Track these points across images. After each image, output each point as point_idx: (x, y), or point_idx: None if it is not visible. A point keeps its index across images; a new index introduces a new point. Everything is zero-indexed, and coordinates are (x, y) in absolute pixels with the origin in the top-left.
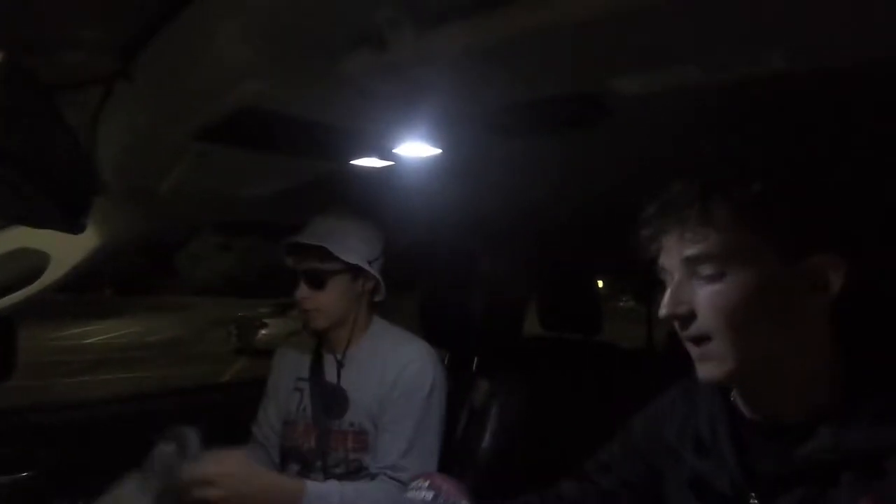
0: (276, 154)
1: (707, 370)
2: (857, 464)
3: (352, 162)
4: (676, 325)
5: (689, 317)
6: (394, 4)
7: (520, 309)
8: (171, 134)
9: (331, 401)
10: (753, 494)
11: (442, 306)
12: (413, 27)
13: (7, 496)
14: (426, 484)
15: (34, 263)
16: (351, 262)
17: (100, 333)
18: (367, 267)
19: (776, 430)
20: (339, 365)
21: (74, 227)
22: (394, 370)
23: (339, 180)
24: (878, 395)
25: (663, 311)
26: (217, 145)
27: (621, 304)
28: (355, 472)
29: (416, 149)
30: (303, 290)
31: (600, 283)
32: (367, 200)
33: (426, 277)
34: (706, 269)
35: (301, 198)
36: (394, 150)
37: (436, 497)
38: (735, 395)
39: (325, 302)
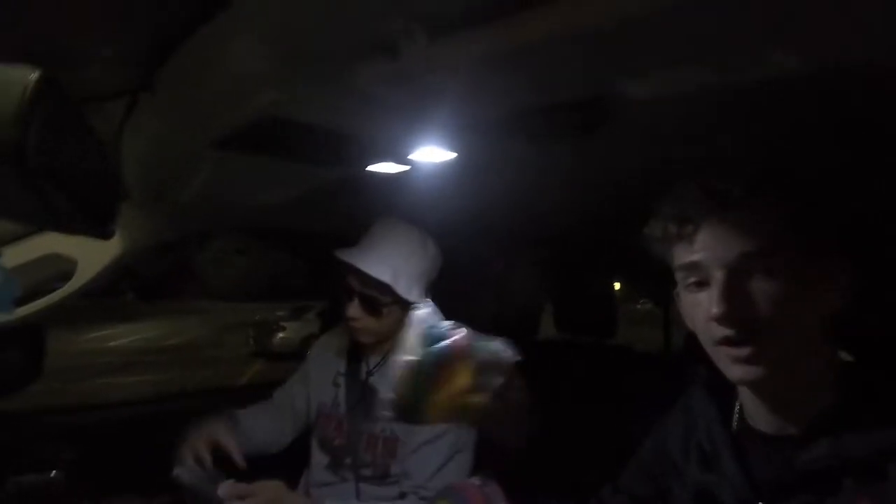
0: (294, 161)
1: (744, 371)
2: (858, 469)
3: (367, 168)
4: (726, 326)
5: (745, 316)
6: (406, 14)
7: (535, 311)
8: (192, 143)
9: (367, 404)
10: (760, 503)
11: (456, 309)
12: (425, 36)
13: (34, 494)
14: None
15: (62, 268)
16: (412, 299)
17: (121, 337)
18: (424, 302)
19: (777, 438)
20: (368, 374)
21: (104, 233)
22: None
23: (356, 186)
24: (875, 400)
25: (716, 308)
26: (235, 154)
27: (639, 306)
28: (382, 476)
29: (431, 154)
30: (355, 311)
31: (617, 286)
32: (383, 205)
33: (440, 280)
34: (761, 267)
35: (318, 204)
36: (409, 156)
37: None
38: (740, 404)
39: (376, 327)
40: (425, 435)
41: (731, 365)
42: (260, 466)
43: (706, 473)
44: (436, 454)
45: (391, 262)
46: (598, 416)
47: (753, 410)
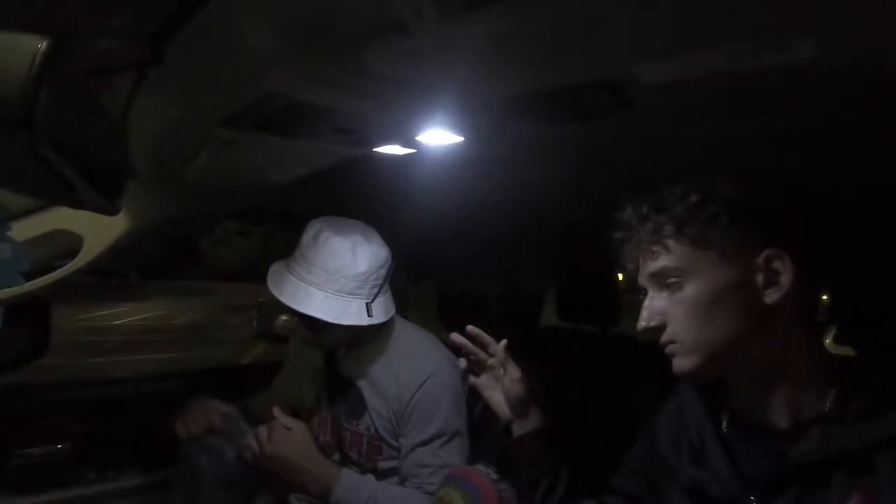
0: (301, 141)
1: (677, 364)
2: (848, 462)
3: (374, 149)
4: (653, 335)
5: (661, 327)
6: None
7: (537, 298)
8: (199, 120)
9: (348, 400)
10: (753, 498)
11: (459, 294)
12: (437, 14)
13: (42, 466)
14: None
15: (69, 245)
16: (350, 323)
17: (126, 316)
18: (368, 316)
19: (767, 433)
20: (355, 381)
21: (111, 209)
22: (409, 388)
23: (362, 168)
24: (863, 394)
25: (640, 324)
26: (243, 132)
27: (641, 297)
28: (371, 472)
29: (438, 137)
30: (305, 332)
31: (620, 276)
32: (389, 188)
33: (444, 265)
34: (668, 282)
35: (325, 185)
36: (416, 138)
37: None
38: (726, 400)
39: (331, 340)
40: (415, 437)
41: (671, 359)
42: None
43: (697, 469)
44: (431, 455)
45: (322, 292)
46: (599, 403)
47: (742, 407)
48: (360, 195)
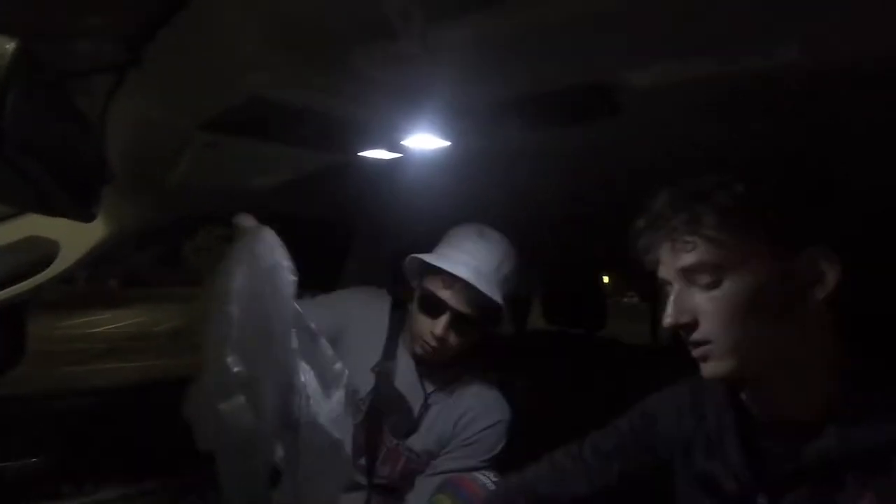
0: (284, 145)
1: (710, 368)
2: (862, 461)
3: (360, 154)
4: (682, 332)
5: (692, 324)
6: None
7: (525, 301)
8: (179, 123)
9: (398, 414)
10: (762, 494)
11: None
12: (423, 18)
13: (16, 480)
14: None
15: (44, 252)
16: (503, 316)
17: (107, 323)
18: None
19: (784, 429)
20: (426, 401)
21: (86, 216)
22: (472, 426)
23: (347, 173)
24: (882, 392)
25: (667, 320)
26: (224, 136)
27: (626, 300)
28: (395, 491)
29: (424, 141)
30: (444, 329)
31: (606, 279)
32: (374, 192)
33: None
34: (703, 278)
35: (308, 190)
36: (402, 143)
37: None
38: (745, 395)
39: (460, 344)
40: (447, 465)
41: (700, 361)
42: None
43: (710, 461)
44: (458, 464)
45: (503, 282)
46: (586, 406)
47: (759, 403)
48: (345, 200)
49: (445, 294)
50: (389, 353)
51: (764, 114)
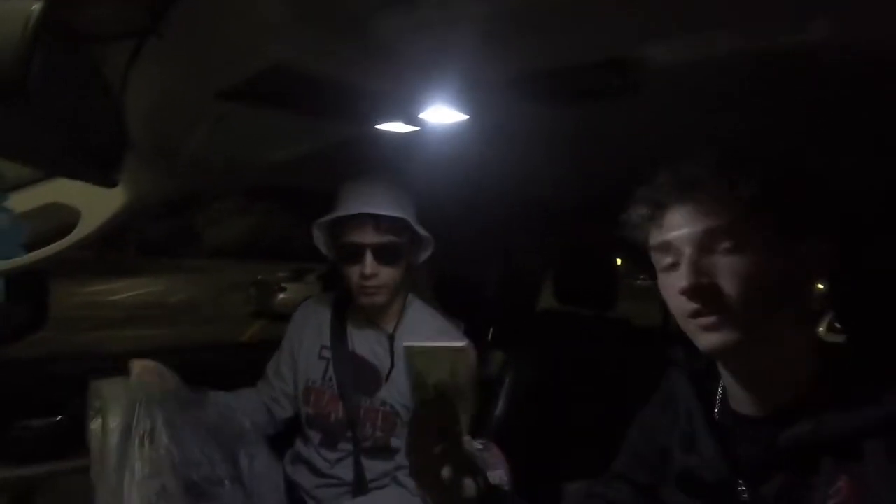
0: (301, 116)
1: (715, 339)
2: (837, 447)
3: (376, 126)
4: (694, 299)
5: (710, 288)
6: None
7: (536, 281)
8: (198, 93)
9: (361, 376)
10: (741, 481)
11: (459, 277)
12: None
13: (40, 438)
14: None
15: (66, 218)
16: (422, 233)
17: (124, 291)
18: (424, 232)
19: (759, 418)
20: (391, 340)
21: (108, 181)
22: None
23: (363, 145)
24: (853, 380)
25: (685, 282)
26: (242, 105)
27: (638, 282)
28: (383, 448)
29: (441, 114)
30: (371, 266)
31: (619, 261)
32: (389, 166)
33: (442, 246)
34: (724, 243)
35: (324, 163)
36: (420, 115)
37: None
38: (723, 387)
39: (394, 277)
40: None
41: (701, 334)
42: None
43: (688, 455)
44: None
45: (383, 198)
46: (597, 386)
47: (735, 391)
48: (359, 174)
49: (355, 235)
50: (337, 330)
51: (785, 97)
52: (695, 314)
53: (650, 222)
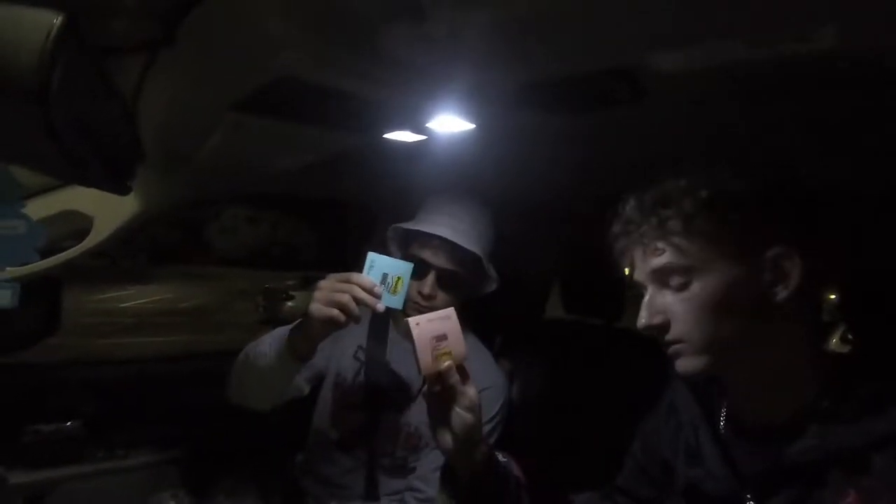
0: (311, 126)
1: (683, 365)
2: (845, 460)
3: (384, 136)
4: (651, 333)
5: (665, 325)
6: None
7: (543, 290)
8: (209, 103)
9: (391, 389)
10: (749, 496)
11: None
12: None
13: (53, 443)
14: None
15: (79, 225)
16: (490, 273)
17: (134, 298)
18: (492, 273)
19: (764, 431)
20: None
21: (122, 189)
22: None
23: (371, 155)
24: (860, 391)
25: (640, 321)
26: (253, 116)
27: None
28: (401, 468)
29: (449, 123)
30: (431, 288)
31: (627, 271)
32: (397, 175)
33: None
34: (673, 280)
35: (333, 171)
36: (427, 125)
37: None
38: (727, 400)
39: (450, 304)
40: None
41: (674, 359)
42: (253, 441)
43: (693, 469)
44: None
45: (480, 238)
46: (603, 396)
47: (739, 404)
48: (368, 183)
49: (427, 254)
50: (378, 335)
51: (791, 102)
52: (662, 344)
53: (625, 259)
